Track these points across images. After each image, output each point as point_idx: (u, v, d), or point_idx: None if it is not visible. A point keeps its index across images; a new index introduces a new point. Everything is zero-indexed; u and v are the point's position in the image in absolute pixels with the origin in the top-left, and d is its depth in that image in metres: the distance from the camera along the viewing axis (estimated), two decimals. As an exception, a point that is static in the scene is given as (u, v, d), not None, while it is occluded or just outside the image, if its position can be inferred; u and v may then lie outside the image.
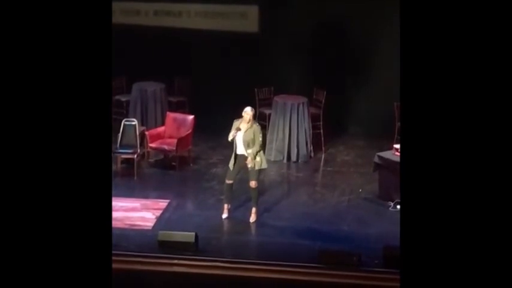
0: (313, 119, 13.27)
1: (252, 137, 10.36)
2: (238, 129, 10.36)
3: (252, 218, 10.67)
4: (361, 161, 13.07)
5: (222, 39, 14.38)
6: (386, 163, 11.33)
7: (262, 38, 14.46)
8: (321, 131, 13.42)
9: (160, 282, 9.30)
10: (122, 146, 12.25)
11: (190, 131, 12.59)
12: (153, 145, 12.56)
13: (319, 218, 10.90)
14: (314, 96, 13.62)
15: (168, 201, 11.27)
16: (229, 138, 10.44)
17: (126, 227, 10.40)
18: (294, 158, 13.05)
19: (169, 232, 9.82)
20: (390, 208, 11.09)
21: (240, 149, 10.49)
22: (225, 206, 10.76)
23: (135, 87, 13.95)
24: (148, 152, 12.77)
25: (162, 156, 12.83)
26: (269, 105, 13.51)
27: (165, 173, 12.48)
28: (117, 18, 13.40)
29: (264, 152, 10.90)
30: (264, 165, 10.67)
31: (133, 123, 12.41)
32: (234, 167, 10.56)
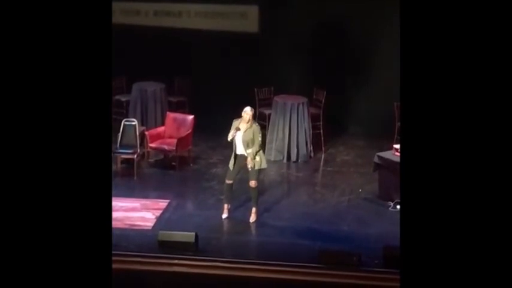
0: (313, 119, 13.27)
1: (252, 137, 10.36)
2: (238, 129, 10.36)
3: (252, 218, 10.67)
4: (361, 161, 13.07)
5: (222, 39, 14.38)
6: (386, 163, 11.33)
7: (262, 38, 14.46)
8: (321, 131, 13.42)
9: (160, 282, 9.30)
10: (121, 146, 12.25)
11: (190, 131, 12.59)
12: (153, 145, 12.56)
13: (319, 218, 10.90)
14: (314, 96, 13.63)
15: (168, 201, 11.27)
16: (229, 138, 10.44)
17: (126, 227, 10.40)
18: (293, 158, 13.05)
19: (169, 232, 9.82)
20: (390, 208, 11.09)
21: (240, 149, 10.49)
22: (225, 206, 10.76)
23: (135, 87, 13.95)
24: (148, 152, 12.77)
25: (162, 156, 12.84)
26: (269, 105, 13.51)
27: (165, 173, 12.48)
28: (117, 18, 13.41)
29: (263, 152, 10.90)
30: (264, 165, 10.67)
31: (133, 123, 12.41)
32: (234, 167, 10.56)
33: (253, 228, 10.61)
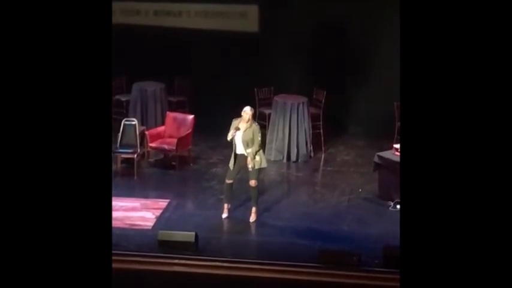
0: (313, 118, 13.27)
1: (251, 136, 10.37)
2: (237, 128, 10.36)
3: (252, 218, 10.68)
4: (361, 160, 13.07)
5: (222, 39, 14.38)
6: (386, 163, 11.33)
7: (262, 38, 14.46)
8: (321, 130, 13.42)
9: (160, 282, 9.30)
10: (121, 146, 12.25)
11: (190, 130, 12.59)
12: (153, 145, 12.56)
13: (319, 217, 10.90)
14: (314, 96, 13.63)
15: (168, 200, 11.27)
16: (228, 138, 10.44)
17: (126, 226, 10.40)
18: (293, 157, 13.05)
19: (169, 232, 9.82)
20: (390, 208, 11.09)
21: (240, 149, 10.49)
22: (225, 205, 10.77)
23: (135, 87, 13.95)
24: (148, 151, 12.77)
25: (162, 156, 12.84)
26: (269, 105, 13.51)
27: (165, 173, 12.48)
28: (117, 18, 13.41)
29: (263, 152, 10.91)
30: (264, 165, 10.68)
31: (133, 123, 12.41)
32: (234, 167, 10.57)
33: (253, 228, 10.62)
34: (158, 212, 10.89)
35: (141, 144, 12.39)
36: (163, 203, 11.20)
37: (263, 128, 12.05)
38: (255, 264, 9.38)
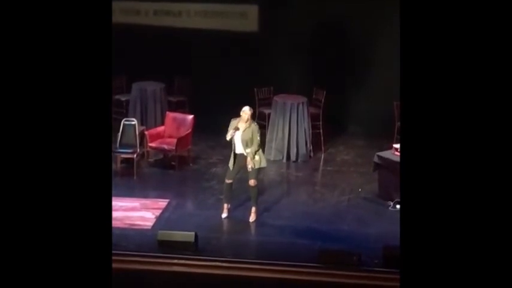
0: (313, 118, 13.27)
1: (251, 136, 10.37)
2: (237, 128, 10.36)
3: (252, 218, 10.68)
4: (360, 160, 13.08)
5: (222, 38, 14.38)
6: (386, 163, 11.33)
7: (262, 38, 14.46)
8: (321, 130, 13.42)
9: (160, 282, 9.29)
10: (121, 146, 12.25)
11: (190, 130, 12.59)
12: (152, 145, 12.56)
13: (319, 217, 10.90)
14: (314, 96, 13.63)
15: (167, 200, 11.27)
16: (228, 138, 10.45)
17: (126, 226, 10.40)
18: (293, 157, 13.05)
19: (169, 232, 9.82)
20: (390, 208, 11.10)
21: (239, 149, 10.50)
22: (225, 205, 10.77)
23: (135, 86, 13.95)
24: (148, 151, 12.77)
25: (161, 156, 12.84)
26: (269, 104, 13.52)
27: (164, 173, 12.48)
28: (117, 17, 13.41)
29: (263, 151, 10.91)
30: (263, 164, 10.68)
31: (133, 122, 12.41)
32: (233, 167, 10.57)
33: (253, 227, 10.62)
34: (158, 212, 10.89)
35: (140, 144, 12.39)
36: (163, 203, 11.20)
37: (263, 128, 12.06)
38: (255, 264, 9.37)
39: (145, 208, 11.02)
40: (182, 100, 14.38)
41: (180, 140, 12.35)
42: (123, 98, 14.08)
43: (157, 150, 12.68)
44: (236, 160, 10.55)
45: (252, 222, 10.66)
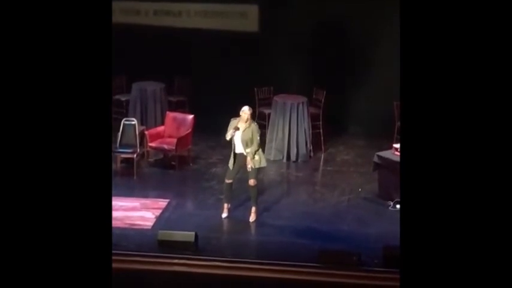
0: (313, 118, 13.28)
1: (251, 136, 10.37)
2: (237, 128, 10.36)
3: (252, 218, 10.68)
4: (360, 160, 13.08)
5: (222, 38, 14.39)
6: (386, 163, 11.34)
7: (262, 38, 14.47)
8: (321, 130, 13.43)
9: (160, 282, 9.29)
10: (121, 146, 12.25)
11: (190, 130, 12.59)
12: (152, 144, 12.56)
13: (318, 217, 10.91)
14: (314, 96, 13.63)
15: (167, 200, 11.27)
16: (227, 138, 10.45)
17: (126, 226, 10.40)
18: (293, 157, 13.05)
19: (169, 231, 9.82)
20: (390, 207, 11.10)
21: (239, 148, 10.50)
22: (225, 205, 10.77)
23: (135, 86, 13.95)
24: (148, 151, 12.77)
25: (161, 156, 12.84)
26: (269, 104, 13.52)
27: (164, 173, 12.48)
28: (117, 17, 13.41)
29: (263, 151, 10.91)
30: (263, 164, 10.68)
31: (133, 122, 12.42)
32: (233, 167, 10.57)
33: (253, 227, 10.62)
34: (158, 212, 10.89)
35: (140, 144, 12.39)
36: (163, 202, 11.20)
37: (263, 128, 12.07)
38: (255, 264, 9.37)
39: (146, 208, 11.02)
40: (182, 100, 14.38)
41: (180, 140, 12.35)
42: (123, 98, 14.08)
43: (157, 150, 12.68)
44: (236, 160, 10.55)
45: (252, 222, 10.66)
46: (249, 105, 10.58)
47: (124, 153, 12.21)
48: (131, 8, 14.83)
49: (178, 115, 13.00)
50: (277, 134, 13.05)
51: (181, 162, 12.52)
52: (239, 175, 10.80)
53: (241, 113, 10.41)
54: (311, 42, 14.29)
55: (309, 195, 11.81)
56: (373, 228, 10.51)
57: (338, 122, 14.29)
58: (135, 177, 12.10)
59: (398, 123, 12.78)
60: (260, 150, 10.60)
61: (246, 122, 10.38)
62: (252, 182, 10.54)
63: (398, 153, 10.94)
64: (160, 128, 12.93)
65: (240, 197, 11.11)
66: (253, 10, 14.58)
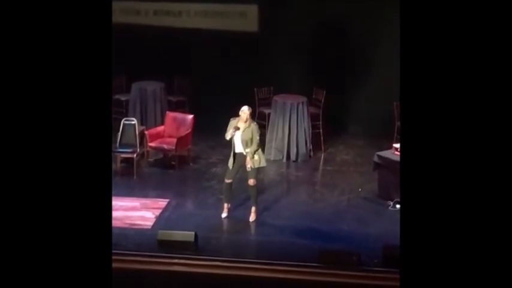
0: (313, 118, 13.28)
1: (251, 136, 10.38)
2: (237, 128, 10.36)
3: (252, 217, 10.68)
4: (360, 160, 13.09)
5: (222, 38, 14.40)
6: (386, 162, 11.34)
7: (262, 38, 14.47)
8: (321, 130, 13.44)
9: (160, 282, 9.30)
10: (121, 146, 12.26)
11: (189, 130, 12.60)
12: (152, 144, 12.57)
13: (318, 217, 10.91)
14: (314, 96, 13.64)
15: (167, 200, 11.28)
16: (228, 137, 10.45)
17: (126, 226, 10.41)
18: (293, 157, 13.06)
19: (169, 231, 9.82)
20: (390, 207, 11.10)
21: (239, 148, 10.51)
22: (225, 205, 10.77)
23: (135, 86, 13.96)
24: (147, 151, 12.78)
25: (161, 156, 12.85)
26: (269, 104, 13.52)
27: (164, 173, 12.48)
28: (117, 17, 13.42)
29: (263, 151, 10.92)
30: (263, 164, 10.68)
31: (133, 122, 12.42)
32: (233, 166, 10.57)
33: (252, 227, 10.62)
34: (158, 212, 10.89)
35: (140, 144, 12.40)
36: (162, 202, 11.20)
37: (263, 128, 12.07)
38: (255, 264, 9.37)
39: (145, 208, 11.02)
40: (182, 100, 14.39)
41: (180, 140, 12.36)
42: (123, 98, 14.09)
43: (157, 150, 12.68)
44: (235, 160, 10.55)
45: (252, 222, 10.67)
46: (249, 105, 10.59)
47: (124, 153, 12.21)
48: (131, 8, 14.84)
49: (178, 115, 13.01)
50: (277, 133, 13.06)
51: (181, 162, 12.52)
52: (239, 175, 10.81)
53: (240, 113, 10.42)
54: (311, 42, 14.30)
55: (309, 195, 11.82)
56: (373, 228, 10.51)
57: (338, 121, 14.30)
58: (135, 177, 12.11)
59: (398, 123, 12.79)
60: (260, 150, 10.60)
61: (245, 121, 10.39)
62: (251, 181, 10.54)
63: (398, 153, 10.95)
64: (160, 128, 12.93)
65: (240, 197, 11.11)
66: (253, 10, 14.59)
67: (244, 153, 10.45)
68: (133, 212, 10.87)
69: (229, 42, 14.37)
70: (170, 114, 13.00)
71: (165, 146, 12.45)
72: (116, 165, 12.04)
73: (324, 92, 13.42)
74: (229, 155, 10.64)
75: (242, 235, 10.46)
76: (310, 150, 13.21)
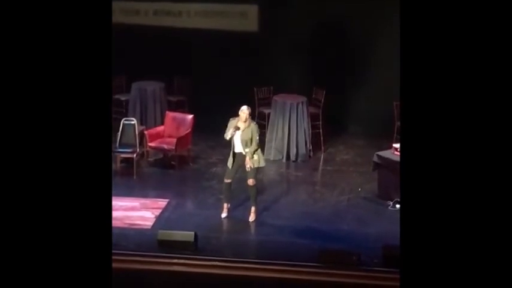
0: (313, 118, 13.28)
1: (250, 136, 10.38)
2: (237, 128, 10.36)
3: (251, 217, 10.68)
4: (360, 160, 13.08)
5: (222, 38, 14.39)
6: (386, 162, 11.34)
7: (262, 38, 14.47)
8: (320, 130, 13.43)
9: (160, 282, 9.29)
10: (121, 145, 12.25)
11: (189, 130, 12.59)
12: (152, 144, 12.57)
13: (318, 217, 10.91)
14: (313, 96, 13.64)
15: (167, 200, 11.27)
16: (227, 137, 10.45)
17: (126, 226, 10.40)
18: (293, 157, 13.06)
19: (169, 231, 9.82)
20: (389, 207, 11.10)
21: (238, 148, 10.50)
22: (225, 205, 10.77)
23: (135, 86, 13.96)
24: (147, 151, 12.78)
25: (161, 156, 12.84)
26: (268, 104, 13.52)
27: (164, 172, 12.48)
28: (117, 17, 13.41)
29: (262, 151, 10.91)
30: (262, 164, 10.68)
31: (133, 122, 12.42)
32: (232, 166, 10.57)
33: (252, 227, 10.62)
34: (158, 212, 10.89)
35: (140, 144, 12.40)
36: (162, 202, 11.20)
37: (262, 128, 12.07)
38: (255, 264, 9.38)
39: (145, 208, 11.02)
40: (182, 100, 14.38)
41: (180, 140, 12.36)
42: (123, 98, 14.08)
43: (157, 149, 12.68)
44: (235, 159, 10.55)
45: (252, 221, 10.66)
46: (249, 105, 10.59)
47: (124, 153, 12.21)
48: (131, 8, 14.84)
49: (178, 115, 13.01)
50: (277, 133, 13.05)
51: (181, 162, 12.52)
52: (238, 175, 10.81)
53: (240, 113, 10.42)
54: (311, 42, 14.30)
55: (309, 195, 11.81)
56: (372, 228, 10.51)
57: (338, 121, 14.30)
58: (134, 177, 12.11)
59: (398, 123, 12.78)
60: (259, 150, 10.60)
61: (244, 121, 10.39)
62: (251, 181, 10.54)
63: (398, 153, 10.95)
64: (160, 128, 12.93)
65: (240, 197, 11.11)
66: (253, 10, 14.59)
67: (244, 153, 10.45)
68: (133, 212, 10.87)
69: (229, 42, 14.37)
70: (170, 114, 13.00)
71: (165, 146, 12.45)
72: (116, 165, 12.04)
73: (324, 92, 13.42)
74: (229, 155, 10.64)
75: (242, 235, 10.46)
76: (310, 150, 13.21)
